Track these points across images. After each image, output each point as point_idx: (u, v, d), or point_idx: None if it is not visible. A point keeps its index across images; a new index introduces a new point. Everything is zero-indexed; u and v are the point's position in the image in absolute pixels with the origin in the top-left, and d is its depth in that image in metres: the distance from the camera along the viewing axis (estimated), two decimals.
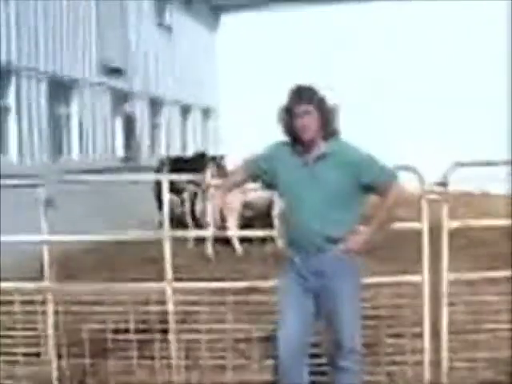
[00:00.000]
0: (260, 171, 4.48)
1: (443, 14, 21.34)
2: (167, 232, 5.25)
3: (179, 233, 5.82)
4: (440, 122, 21.16)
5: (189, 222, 12.75)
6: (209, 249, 11.81)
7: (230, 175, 4.99)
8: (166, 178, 5.26)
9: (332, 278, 4.25)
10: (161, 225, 14.01)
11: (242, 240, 11.91)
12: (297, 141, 4.27)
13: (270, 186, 4.58)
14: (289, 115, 4.24)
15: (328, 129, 4.27)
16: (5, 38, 11.85)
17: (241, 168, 4.73)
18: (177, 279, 5.55)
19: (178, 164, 14.93)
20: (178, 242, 10.92)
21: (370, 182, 4.22)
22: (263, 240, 11.38)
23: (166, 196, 5.25)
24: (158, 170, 14.23)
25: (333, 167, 4.20)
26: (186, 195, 13.04)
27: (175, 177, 5.71)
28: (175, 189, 13.15)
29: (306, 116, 4.17)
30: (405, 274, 5.38)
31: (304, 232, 4.25)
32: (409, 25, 21.57)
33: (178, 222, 13.99)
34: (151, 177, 6.54)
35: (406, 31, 21.54)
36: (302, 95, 4.22)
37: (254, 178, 4.60)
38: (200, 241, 11.75)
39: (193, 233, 5.57)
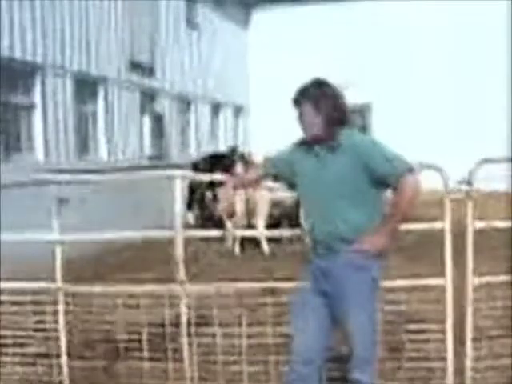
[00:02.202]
0: (276, 171, 4.34)
1: (455, 13, 21.16)
2: (180, 231, 5.09)
3: (191, 232, 5.69)
4: (461, 121, 20.95)
5: (224, 219, 12.58)
6: (236, 248, 11.74)
7: (246, 173, 4.88)
8: (179, 176, 5.09)
9: (342, 281, 4.00)
10: (188, 224, 14.17)
11: (270, 239, 11.81)
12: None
13: (289, 185, 4.40)
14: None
15: (333, 122, 4.03)
16: (31, 35, 11.80)
17: (258, 166, 4.64)
18: (197, 280, 5.44)
19: (213, 160, 14.89)
20: (208, 241, 11.01)
21: (382, 174, 3.92)
22: (291, 240, 11.26)
23: (178, 194, 5.08)
24: (196, 167, 14.18)
25: (344, 160, 3.96)
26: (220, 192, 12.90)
27: (190, 174, 5.52)
28: (210, 185, 13.09)
29: (304, 116, 4.05)
30: (429, 276, 5.17)
31: (316, 230, 4.07)
32: (421, 24, 21.50)
33: (210, 218, 14.03)
34: (162, 174, 6.37)
35: (421, 30, 21.49)
36: (298, 95, 4.08)
37: (271, 176, 4.45)
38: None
39: (214, 232, 5.42)
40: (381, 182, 3.98)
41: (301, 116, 4.06)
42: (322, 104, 4.02)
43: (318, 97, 4.03)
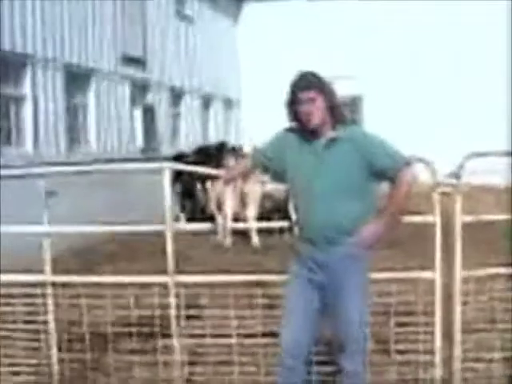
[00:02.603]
0: (265, 159, 4.33)
1: (449, 5, 21.13)
2: (169, 224, 5.08)
3: (182, 225, 5.68)
4: (454, 115, 21.01)
5: (214, 212, 12.55)
6: (227, 240, 11.71)
7: (236, 165, 4.89)
8: (168, 168, 5.08)
9: (340, 273, 4.07)
10: (178, 217, 14.17)
11: (260, 231, 11.81)
12: (304, 128, 4.10)
13: (276, 175, 4.42)
14: (294, 103, 4.07)
15: (335, 114, 4.08)
16: (20, 27, 11.73)
17: (247, 158, 4.61)
18: (187, 272, 5.44)
19: (199, 154, 14.90)
20: (199, 234, 11.01)
21: (382, 168, 4.03)
22: (281, 231, 11.25)
23: (168, 187, 5.07)
24: (177, 159, 14.13)
25: (344, 153, 4.02)
26: (209, 185, 12.89)
27: (180, 167, 5.51)
28: (200, 178, 13.07)
29: (309, 103, 4.01)
30: (418, 269, 5.19)
31: (313, 222, 4.07)
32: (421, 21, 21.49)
33: (200, 211, 14.03)
34: (150, 166, 6.37)
35: (414, 23, 21.48)
36: (304, 82, 4.05)
37: (261, 167, 4.45)
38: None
39: (204, 225, 5.38)
40: (379, 175, 4.08)
41: (306, 101, 4.01)
42: (327, 94, 4.05)
43: (323, 86, 4.05)
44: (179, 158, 14.09)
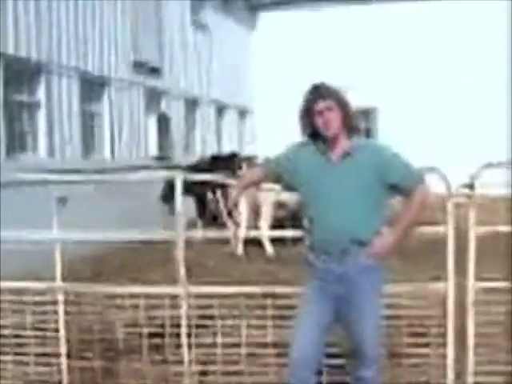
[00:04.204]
0: (279, 169, 4.33)
1: (460, 15, 21.23)
2: (181, 233, 5.07)
3: (194, 233, 5.66)
4: (468, 126, 20.97)
5: (225, 221, 12.53)
6: (239, 249, 11.69)
7: (248, 174, 4.89)
8: (179, 177, 5.07)
9: (356, 284, 4.07)
10: (195, 224, 14.13)
11: (274, 241, 11.77)
12: (319, 139, 4.11)
13: (288, 185, 4.44)
14: (308, 114, 4.08)
15: (350, 125, 4.10)
16: (35, 34, 11.79)
17: (259, 167, 4.66)
18: (198, 281, 5.42)
19: (212, 163, 14.88)
20: (212, 242, 10.99)
21: (396, 183, 4.06)
22: (294, 241, 11.21)
23: (179, 196, 5.06)
24: (193, 169, 14.13)
25: (359, 165, 4.04)
26: (219, 194, 12.89)
27: (188, 176, 5.50)
28: (211, 187, 13.07)
29: (328, 112, 4.01)
30: (431, 280, 5.15)
31: (328, 233, 4.06)
32: (428, 26, 21.55)
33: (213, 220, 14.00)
34: (162, 174, 6.36)
35: (428, 34, 21.51)
36: (321, 92, 4.07)
37: (273, 177, 4.45)
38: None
39: (215, 233, 5.36)
40: (392, 189, 4.11)
41: (325, 110, 4.02)
42: (343, 104, 4.07)
43: (338, 97, 4.07)
44: (194, 167, 14.09)
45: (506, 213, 12.19)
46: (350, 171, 4.04)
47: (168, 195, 12.80)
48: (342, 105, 4.06)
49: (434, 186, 4.94)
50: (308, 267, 4.22)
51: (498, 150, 16.19)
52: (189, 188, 5.84)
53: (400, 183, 4.06)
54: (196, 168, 13.87)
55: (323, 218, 4.09)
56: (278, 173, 4.35)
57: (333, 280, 4.09)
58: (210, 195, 13.68)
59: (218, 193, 12.84)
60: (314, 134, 4.11)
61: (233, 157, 15.41)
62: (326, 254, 4.09)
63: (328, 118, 4.01)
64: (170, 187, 11.76)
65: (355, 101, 4.35)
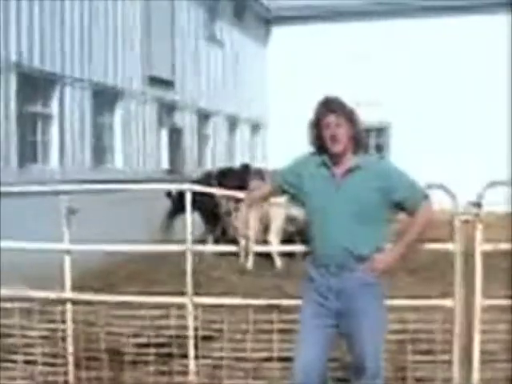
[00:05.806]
0: (285, 183, 4.34)
1: (463, 31, 21.32)
2: (189, 245, 5.10)
3: (203, 247, 5.69)
4: (480, 143, 20.96)
5: (235, 234, 12.52)
6: (248, 262, 11.70)
7: (257, 188, 4.90)
8: (189, 190, 5.11)
9: (355, 299, 4.05)
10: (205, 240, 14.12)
11: (283, 255, 11.77)
12: (325, 153, 4.11)
13: (294, 199, 4.42)
14: (317, 127, 4.10)
15: (358, 141, 4.12)
16: (50, 46, 11.92)
17: (268, 181, 4.63)
18: (206, 293, 5.44)
19: (223, 176, 14.85)
20: (221, 256, 10.99)
21: (401, 200, 4.06)
22: (304, 255, 11.19)
23: (189, 207, 5.09)
24: (203, 182, 14.09)
25: (363, 181, 4.04)
26: (231, 207, 12.88)
27: (198, 188, 5.53)
28: (223, 200, 13.04)
29: (336, 127, 4.03)
30: (438, 297, 5.15)
31: (328, 248, 4.06)
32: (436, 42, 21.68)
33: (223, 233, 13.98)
34: (171, 187, 6.39)
35: (442, 51, 21.60)
36: (332, 106, 4.08)
37: (280, 190, 4.45)
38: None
39: (224, 247, 5.39)
40: (396, 206, 4.11)
41: (333, 125, 4.04)
42: (352, 121, 4.09)
43: (348, 113, 4.09)
44: (200, 180, 14.07)
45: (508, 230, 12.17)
46: (351, 187, 4.04)
47: (174, 211, 12.87)
48: (352, 121, 4.08)
49: (442, 202, 4.99)
50: (309, 283, 4.21)
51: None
52: (197, 202, 5.86)
53: (404, 201, 4.07)
54: (202, 182, 13.83)
55: (323, 233, 4.09)
56: (283, 186, 4.36)
57: (332, 295, 4.08)
58: (221, 208, 13.65)
59: (231, 206, 12.80)
60: (321, 146, 4.12)
61: (245, 169, 15.36)
62: (326, 269, 4.09)
63: (336, 133, 4.02)
64: (179, 200, 11.82)
65: (368, 116, 4.35)
